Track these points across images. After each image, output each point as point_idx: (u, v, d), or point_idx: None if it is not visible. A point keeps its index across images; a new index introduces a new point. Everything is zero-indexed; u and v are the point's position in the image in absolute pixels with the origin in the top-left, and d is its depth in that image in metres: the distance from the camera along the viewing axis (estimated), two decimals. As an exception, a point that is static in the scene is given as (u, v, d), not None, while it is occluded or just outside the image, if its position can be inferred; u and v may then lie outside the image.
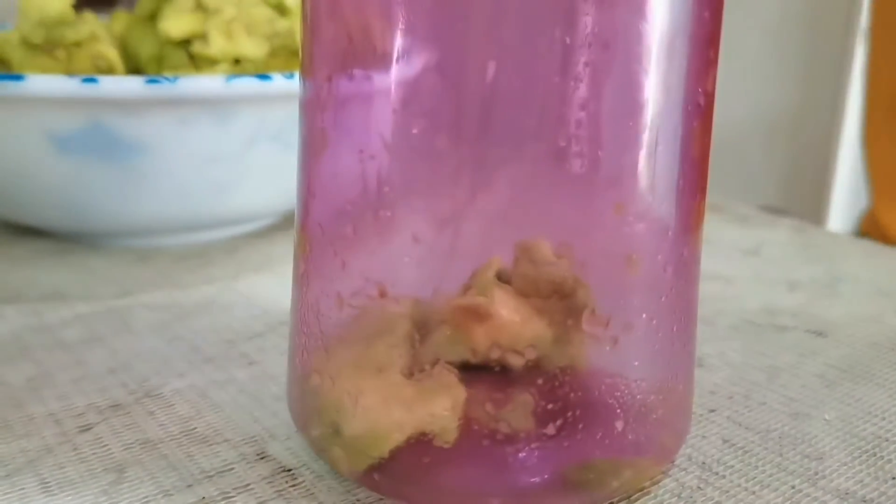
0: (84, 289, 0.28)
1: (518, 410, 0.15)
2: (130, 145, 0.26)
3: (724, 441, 0.19)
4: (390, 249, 0.15)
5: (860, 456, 0.19)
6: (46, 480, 0.17)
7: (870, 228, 0.68)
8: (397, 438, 0.16)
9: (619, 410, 0.16)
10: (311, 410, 0.17)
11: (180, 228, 0.31)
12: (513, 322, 0.15)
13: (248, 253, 0.32)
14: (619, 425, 0.16)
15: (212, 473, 0.18)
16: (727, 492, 0.17)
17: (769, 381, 0.22)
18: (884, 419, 0.21)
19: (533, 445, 0.15)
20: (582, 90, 0.14)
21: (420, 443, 0.16)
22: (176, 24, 0.29)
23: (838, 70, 1.11)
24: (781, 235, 0.36)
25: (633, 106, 0.15)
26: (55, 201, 0.29)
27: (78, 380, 0.22)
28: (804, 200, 1.18)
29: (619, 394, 0.16)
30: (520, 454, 0.15)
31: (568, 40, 0.14)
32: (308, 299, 0.17)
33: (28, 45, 0.28)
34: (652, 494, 0.17)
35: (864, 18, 1.07)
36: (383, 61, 0.15)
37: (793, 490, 0.18)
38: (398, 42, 0.15)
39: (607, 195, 0.15)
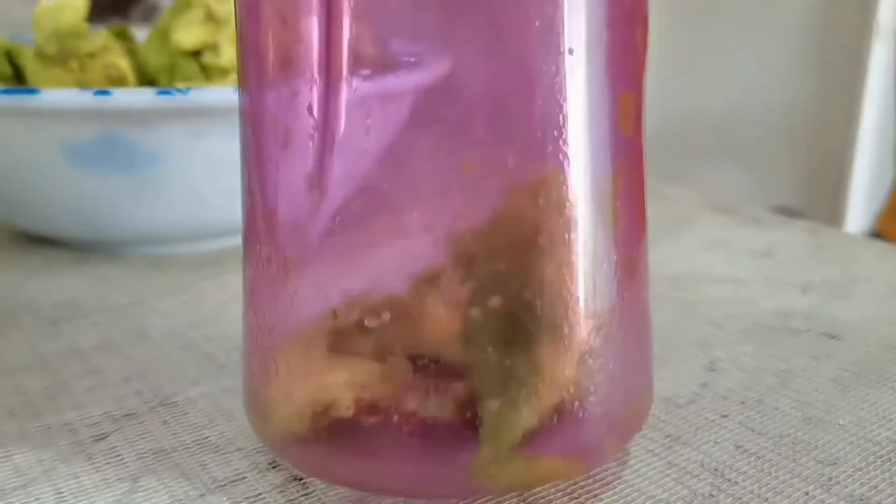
0: (99, 297, 0.28)
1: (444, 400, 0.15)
2: (143, 156, 0.27)
3: (737, 447, 0.19)
4: (340, 255, 0.15)
5: (874, 461, 0.19)
6: (61, 490, 0.17)
7: (891, 219, 0.68)
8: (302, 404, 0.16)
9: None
10: (252, 396, 0.17)
11: (194, 236, 0.31)
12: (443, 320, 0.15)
13: (261, 260, 0.32)
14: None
15: (224, 483, 0.18)
16: (740, 499, 0.17)
17: (782, 385, 0.22)
18: (899, 423, 0.20)
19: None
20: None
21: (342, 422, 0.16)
22: (187, 35, 0.29)
23: (855, 68, 1.10)
24: (794, 237, 0.36)
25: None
26: (69, 211, 0.29)
27: (93, 389, 0.22)
28: (821, 200, 1.17)
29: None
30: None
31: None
32: (256, 309, 0.17)
33: (42, 56, 0.28)
34: (664, 502, 0.17)
35: (880, 16, 1.07)
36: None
37: (806, 496, 0.17)
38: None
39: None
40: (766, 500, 0.17)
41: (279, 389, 0.16)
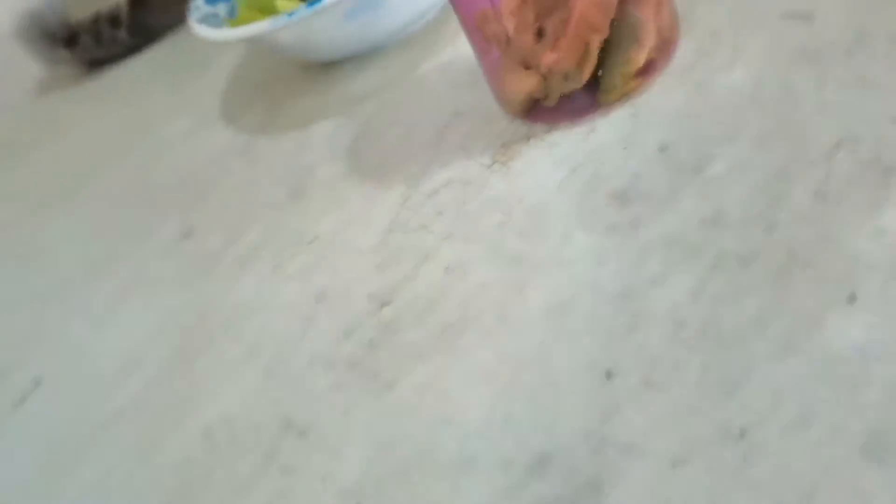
0: (373, 84, 0.53)
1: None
2: (375, 4, 0.52)
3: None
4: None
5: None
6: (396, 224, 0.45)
7: None
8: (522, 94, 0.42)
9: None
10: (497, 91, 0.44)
11: (406, 26, 0.56)
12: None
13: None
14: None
15: (502, 128, 0.44)
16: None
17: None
18: None
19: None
20: None
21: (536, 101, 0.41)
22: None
23: None
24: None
25: None
26: (342, 45, 0.55)
27: (400, 165, 0.49)
28: None
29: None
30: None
31: None
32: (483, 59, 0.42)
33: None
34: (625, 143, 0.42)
35: None
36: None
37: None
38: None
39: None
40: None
41: (504, 90, 0.42)
